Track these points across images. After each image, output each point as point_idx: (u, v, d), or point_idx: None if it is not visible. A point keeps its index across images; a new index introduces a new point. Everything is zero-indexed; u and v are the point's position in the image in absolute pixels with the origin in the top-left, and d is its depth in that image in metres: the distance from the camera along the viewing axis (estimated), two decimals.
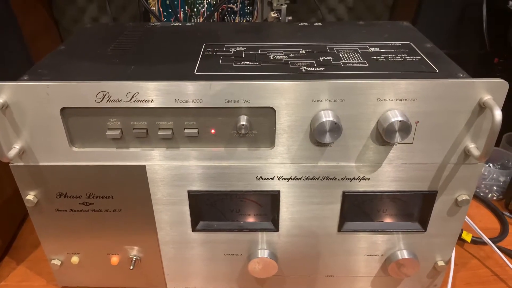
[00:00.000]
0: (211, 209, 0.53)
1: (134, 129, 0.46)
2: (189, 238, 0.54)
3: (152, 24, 0.64)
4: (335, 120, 0.43)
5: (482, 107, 0.44)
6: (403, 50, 0.52)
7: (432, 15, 0.85)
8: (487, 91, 0.43)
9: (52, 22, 0.94)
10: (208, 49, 0.53)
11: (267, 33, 0.61)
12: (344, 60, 0.49)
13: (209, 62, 0.49)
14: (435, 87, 0.43)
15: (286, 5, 0.84)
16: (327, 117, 0.43)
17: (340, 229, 0.53)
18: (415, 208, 0.53)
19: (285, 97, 0.44)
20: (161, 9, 0.85)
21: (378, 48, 0.53)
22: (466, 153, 0.47)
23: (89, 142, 0.47)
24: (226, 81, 0.43)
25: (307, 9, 0.96)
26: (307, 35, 0.58)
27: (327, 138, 0.44)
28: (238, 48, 0.53)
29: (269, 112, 0.45)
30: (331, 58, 0.50)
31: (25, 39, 0.82)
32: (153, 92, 0.44)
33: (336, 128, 0.44)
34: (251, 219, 0.55)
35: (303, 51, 0.52)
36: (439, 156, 0.48)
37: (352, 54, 0.51)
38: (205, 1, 0.85)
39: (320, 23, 0.64)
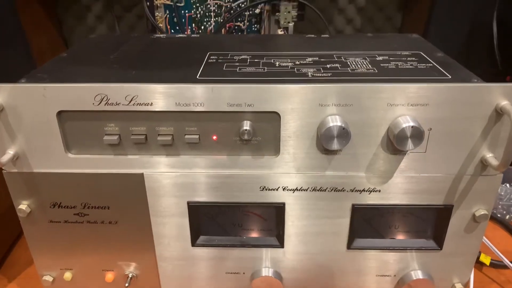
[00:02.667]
0: (212, 222, 0.50)
1: (132, 134, 0.44)
2: (188, 254, 0.51)
3: (157, 35, 0.63)
4: (343, 125, 0.41)
5: (499, 113, 0.42)
6: (414, 58, 0.50)
7: (441, 34, 0.83)
8: (504, 96, 0.41)
9: (61, 40, 0.94)
10: (212, 57, 0.51)
11: (273, 43, 0.60)
12: (352, 67, 0.48)
13: (212, 68, 0.47)
14: (448, 92, 0.41)
15: (293, 23, 0.84)
16: (334, 122, 0.41)
17: (349, 246, 0.50)
18: (430, 224, 0.50)
19: (290, 101, 0.42)
20: (169, 27, 0.85)
21: (387, 57, 0.51)
22: (483, 163, 0.44)
23: (86, 148, 0.45)
24: (229, 84, 0.41)
25: (315, 28, 0.96)
26: (314, 45, 0.57)
27: (335, 145, 0.42)
28: (243, 56, 0.52)
29: (274, 118, 0.43)
30: (338, 65, 0.48)
31: (34, 56, 0.82)
32: (153, 95, 0.42)
33: (344, 134, 0.41)
34: (254, 234, 0.51)
35: (310, 59, 0.51)
36: (455, 167, 0.45)
37: (360, 61, 0.49)
38: (212, 20, 0.85)
39: (327, 35, 0.62)
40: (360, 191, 0.47)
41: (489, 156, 0.44)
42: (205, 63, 0.49)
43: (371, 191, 0.47)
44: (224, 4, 0.85)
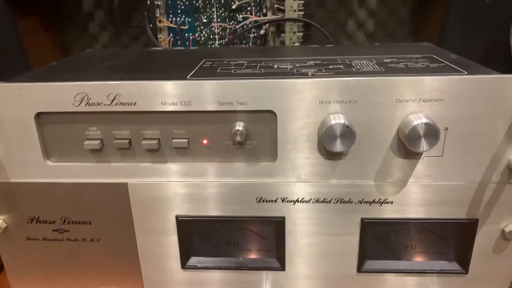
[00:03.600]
0: (204, 241, 0.45)
1: (115, 139, 0.41)
2: (178, 277, 0.46)
3: (154, 48, 0.61)
4: (346, 123, 0.36)
5: None
6: (425, 60, 0.46)
7: (456, 44, 0.79)
8: None
9: (63, 51, 0.93)
10: (207, 62, 0.48)
11: (274, 51, 0.57)
12: (357, 67, 0.44)
13: (205, 71, 0.44)
14: (465, 85, 0.36)
15: (299, 43, 0.81)
16: (337, 120, 0.37)
17: (360, 268, 0.44)
18: (452, 242, 0.44)
19: (288, 99, 0.38)
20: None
21: (396, 59, 0.47)
22: (510, 168, 0.39)
23: (66, 155, 0.42)
24: (219, 79, 0.38)
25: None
26: (317, 52, 0.53)
27: (338, 146, 0.37)
28: (240, 61, 0.48)
29: (270, 118, 0.39)
30: (342, 66, 0.44)
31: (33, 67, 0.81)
32: (137, 94, 0.38)
33: (348, 133, 0.37)
34: (252, 255, 0.46)
35: (311, 62, 0.47)
36: (477, 173, 0.39)
37: (366, 63, 0.45)
38: (216, 42, 0.84)
39: (331, 45, 0.59)
40: (370, 203, 0.41)
41: None
42: (199, 67, 0.46)
43: (382, 203, 0.41)
44: (229, 27, 0.84)
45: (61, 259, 0.46)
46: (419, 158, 0.39)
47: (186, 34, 0.84)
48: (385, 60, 0.46)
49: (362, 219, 0.42)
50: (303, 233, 0.43)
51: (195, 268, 0.45)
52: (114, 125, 0.40)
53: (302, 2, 0.80)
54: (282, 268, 0.45)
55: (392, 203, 0.41)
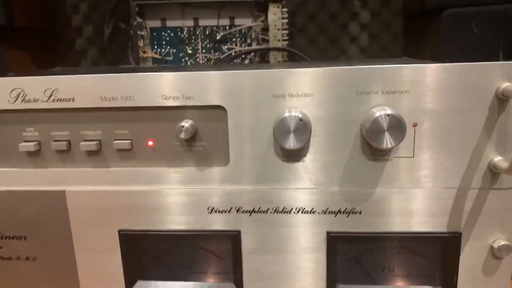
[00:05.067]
0: (152, 262, 0.40)
1: (54, 140, 0.37)
2: None
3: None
4: (300, 116, 0.33)
5: (501, 99, 0.33)
6: (395, 61, 0.43)
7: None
8: (505, 76, 0.32)
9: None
10: (166, 69, 0.45)
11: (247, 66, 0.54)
12: None
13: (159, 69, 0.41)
14: (433, 73, 0.33)
15: None
16: (290, 112, 0.33)
17: None
18: (435, 263, 0.38)
19: (238, 92, 0.34)
20: None
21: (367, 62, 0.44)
22: (493, 171, 0.34)
23: (1, 160, 0.38)
24: (163, 72, 0.35)
25: None
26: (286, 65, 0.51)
27: (291, 142, 0.33)
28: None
29: (220, 115, 0.35)
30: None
31: None
32: (75, 88, 0.35)
33: (302, 127, 0.33)
34: (208, 279, 0.40)
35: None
36: (455, 177, 0.35)
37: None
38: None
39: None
40: (335, 213, 0.36)
41: (497, 159, 0.34)
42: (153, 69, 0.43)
43: (349, 213, 0.36)
44: (213, 57, 0.83)
45: None
46: (388, 159, 0.35)
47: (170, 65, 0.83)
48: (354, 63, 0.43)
49: (328, 233, 0.36)
50: (261, 250, 0.38)
51: None
52: (52, 124, 0.37)
53: (286, 32, 0.80)
54: None
55: (360, 213, 0.36)
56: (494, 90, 0.32)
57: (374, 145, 0.33)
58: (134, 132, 0.36)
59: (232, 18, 0.78)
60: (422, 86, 0.33)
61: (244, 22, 0.78)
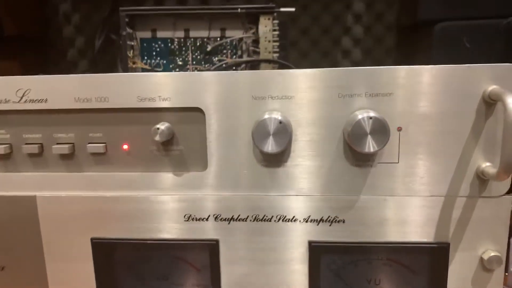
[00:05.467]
0: (127, 274, 0.38)
1: (26, 143, 0.36)
2: None
3: None
4: (280, 118, 0.31)
5: (489, 103, 0.31)
6: None
7: None
8: (492, 79, 0.31)
9: None
10: None
11: None
12: None
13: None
14: (418, 76, 0.32)
15: None
16: (270, 114, 0.32)
17: None
18: (423, 276, 0.36)
19: (216, 94, 0.33)
20: None
21: None
22: (481, 178, 0.33)
23: None
24: (139, 72, 0.33)
25: None
26: None
27: (270, 146, 0.31)
28: None
29: (198, 117, 0.34)
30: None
31: None
32: (48, 89, 0.34)
33: (282, 130, 0.31)
34: None
35: None
36: (442, 185, 0.33)
37: None
38: None
39: None
40: (317, 221, 0.35)
41: (486, 165, 0.32)
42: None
43: (332, 221, 0.34)
44: (204, 69, 0.82)
45: None
46: (372, 165, 0.33)
47: None
48: None
49: (310, 243, 0.35)
50: (241, 261, 0.36)
51: None
52: (25, 127, 0.35)
53: (277, 44, 0.79)
54: None
55: (344, 222, 0.34)
56: (481, 94, 0.31)
57: (356, 149, 0.31)
58: (108, 135, 0.35)
59: (223, 30, 0.78)
60: (407, 89, 0.32)
61: (235, 34, 0.78)
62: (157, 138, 0.33)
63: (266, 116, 0.31)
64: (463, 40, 0.73)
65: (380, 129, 0.31)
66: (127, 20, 0.75)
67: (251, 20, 0.77)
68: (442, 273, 0.34)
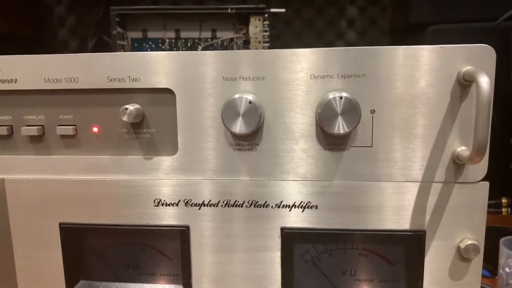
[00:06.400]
0: (97, 260, 0.37)
1: None
2: None
3: None
4: (250, 98, 0.31)
5: (463, 85, 0.31)
6: None
7: None
8: (466, 60, 0.30)
9: None
10: None
11: None
12: None
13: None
14: (392, 58, 0.31)
15: None
16: (240, 94, 0.31)
17: None
18: (399, 266, 0.35)
19: (187, 75, 0.33)
20: None
21: None
22: (457, 162, 0.32)
23: None
24: (109, 52, 0.33)
25: None
26: None
27: (239, 126, 0.31)
28: None
29: (168, 99, 0.33)
30: None
31: None
32: (18, 69, 0.34)
33: (252, 110, 0.31)
34: (157, 281, 0.37)
35: None
36: (416, 170, 0.32)
37: None
38: None
39: None
40: (290, 207, 0.34)
41: (461, 149, 0.31)
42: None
43: (304, 207, 0.33)
44: None
45: None
46: (344, 149, 0.32)
47: None
48: None
49: (282, 229, 0.34)
50: (212, 248, 0.35)
51: None
52: None
53: (268, 44, 0.79)
54: None
55: (316, 207, 0.33)
56: (456, 75, 0.31)
57: (327, 130, 0.30)
58: (78, 117, 0.34)
59: (214, 31, 0.78)
60: (380, 70, 0.31)
61: (225, 34, 0.78)
62: (125, 118, 0.32)
63: (236, 96, 0.31)
64: (454, 43, 0.73)
65: (351, 110, 0.30)
66: (117, 19, 0.75)
67: (242, 21, 0.77)
68: (418, 263, 0.33)
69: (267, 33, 0.77)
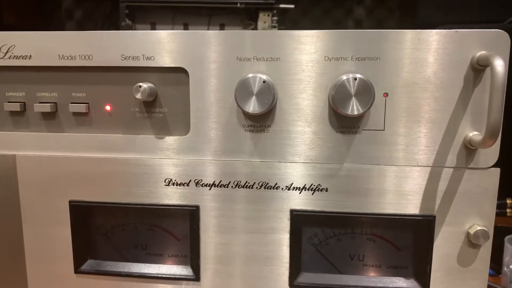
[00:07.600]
0: (105, 240, 0.37)
1: (8, 102, 0.35)
2: (71, 283, 0.37)
3: None
4: (264, 78, 0.31)
5: (477, 70, 0.31)
6: None
7: None
8: (481, 45, 0.31)
9: None
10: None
11: None
12: None
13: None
14: (406, 41, 0.31)
15: None
16: (254, 73, 0.31)
17: (292, 282, 0.35)
18: (407, 251, 0.35)
19: (201, 54, 0.33)
20: None
21: None
22: (468, 147, 0.32)
23: None
24: (123, 30, 0.33)
25: None
26: None
27: (253, 105, 0.31)
28: None
29: (181, 78, 0.34)
30: None
31: None
32: (33, 45, 0.34)
33: (266, 90, 0.31)
34: (164, 262, 0.37)
35: None
36: (428, 154, 0.32)
37: None
38: None
39: None
40: (300, 189, 0.34)
41: (473, 134, 0.31)
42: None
43: (314, 190, 0.34)
44: None
45: None
46: (356, 131, 0.32)
47: None
48: None
49: (291, 211, 0.34)
50: (221, 228, 0.35)
51: (90, 273, 0.36)
52: (7, 84, 0.35)
53: None
54: (196, 277, 0.36)
55: (327, 190, 0.33)
56: (470, 60, 0.31)
57: (340, 111, 0.31)
58: (91, 95, 0.35)
59: (222, 25, 0.78)
60: (395, 54, 0.31)
61: (234, 29, 0.78)
62: (138, 96, 0.32)
63: (250, 75, 0.31)
64: None
65: (365, 91, 0.30)
66: (126, 11, 0.75)
67: (251, 16, 0.77)
68: (427, 248, 0.33)
69: (276, 29, 0.77)
